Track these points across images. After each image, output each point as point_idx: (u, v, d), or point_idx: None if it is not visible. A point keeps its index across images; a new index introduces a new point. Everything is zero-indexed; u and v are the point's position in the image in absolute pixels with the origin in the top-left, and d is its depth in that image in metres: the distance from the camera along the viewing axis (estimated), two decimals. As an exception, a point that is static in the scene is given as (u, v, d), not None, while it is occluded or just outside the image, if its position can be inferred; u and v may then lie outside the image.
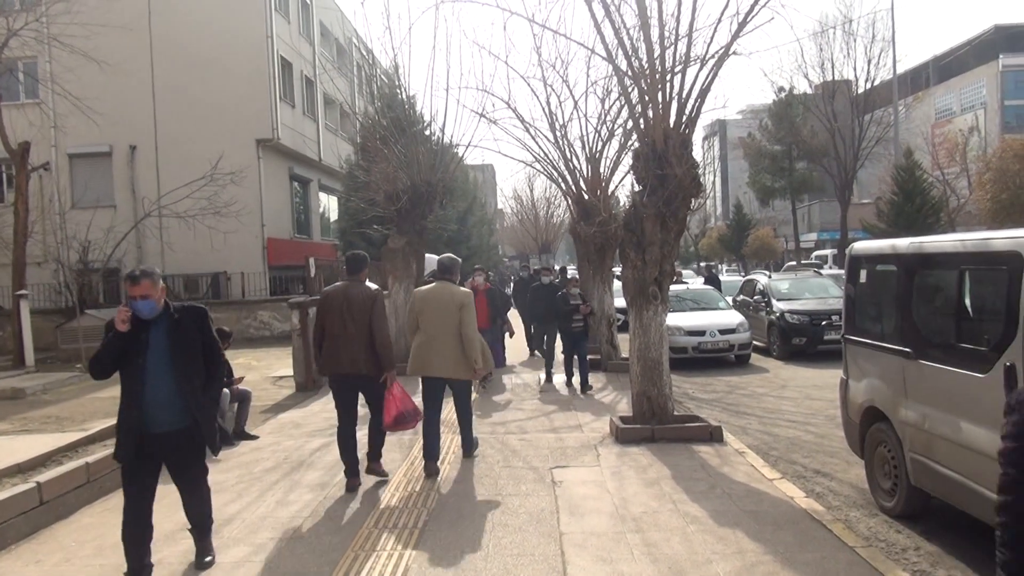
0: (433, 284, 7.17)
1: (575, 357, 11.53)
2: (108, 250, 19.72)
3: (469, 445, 7.66)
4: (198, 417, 4.55)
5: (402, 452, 7.96)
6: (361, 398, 6.76)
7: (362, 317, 6.41)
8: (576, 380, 11.54)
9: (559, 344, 11.97)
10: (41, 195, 19.93)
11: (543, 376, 12.35)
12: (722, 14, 8.00)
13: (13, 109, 20.94)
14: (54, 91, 17.12)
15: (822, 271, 24.60)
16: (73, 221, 20.10)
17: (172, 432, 4.50)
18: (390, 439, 7.42)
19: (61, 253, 18.91)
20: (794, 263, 42.33)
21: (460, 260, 7.55)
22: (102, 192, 23.15)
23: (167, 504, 6.40)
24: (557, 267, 24.42)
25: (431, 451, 6.99)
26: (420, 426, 6.92)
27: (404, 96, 16.38)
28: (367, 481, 6.85)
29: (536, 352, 14.97)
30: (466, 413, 7.47)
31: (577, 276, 14.39)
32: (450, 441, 8.39)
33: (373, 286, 6.69)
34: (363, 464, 6.89)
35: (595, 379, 11.76)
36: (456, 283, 7.19)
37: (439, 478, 6.92)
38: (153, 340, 4.45)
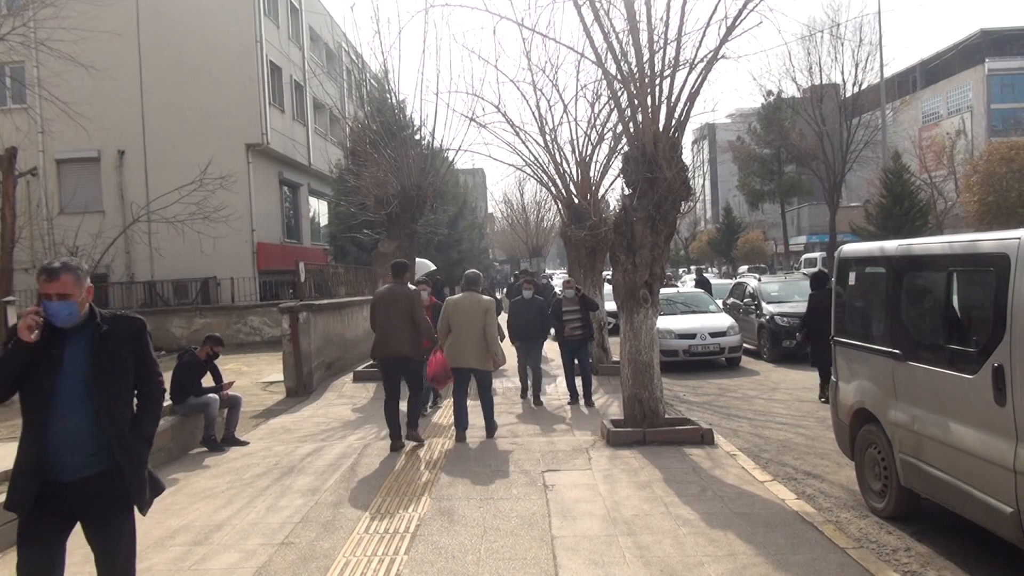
0: (462, 294, 8.87)
1: (576, 365, 10.65)
2: (96, 256, 19.56)
3: (492, 428, 8.74)
4: (123, 461, 3.33)
5: (392, 457, 7.94)
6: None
7: (405, 311, 8.05)
8: (579, 388, 10.65)
9: (550, 357, 11.48)
10: (28, 200, 19.75)
11: (527, 394, 11.06)
12: (710, 18, 8.04)
13: (0, 114, 20.83)
14: (41, 96, 16.98)
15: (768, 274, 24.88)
16: (61, 227, 19.98)
17: (86, 479, 3.30)
18: (381, 451, 8.26)
19: (49, 259, 18.75)
20: (745, 268, 43.45)
21: (481, 274, 9.48)
22: (90, 197, 23.00)
23: (155, 510, 6.35)
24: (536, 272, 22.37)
25: (461, 423, 8.59)
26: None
27: (394, 100, 16.36)
28: (359, 484, 6.86)
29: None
30: (489, 400, 8.75)
31: (570, 279, 14.06)
32: (440, 444, 8.39)
33: (412, 287, 8.52)
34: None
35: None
36: (480, 292, 8.93)
37: (436, 483, 6.92)
38: (69, 358, 3.29)
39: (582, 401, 10.59)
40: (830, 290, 11.60)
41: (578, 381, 10.72)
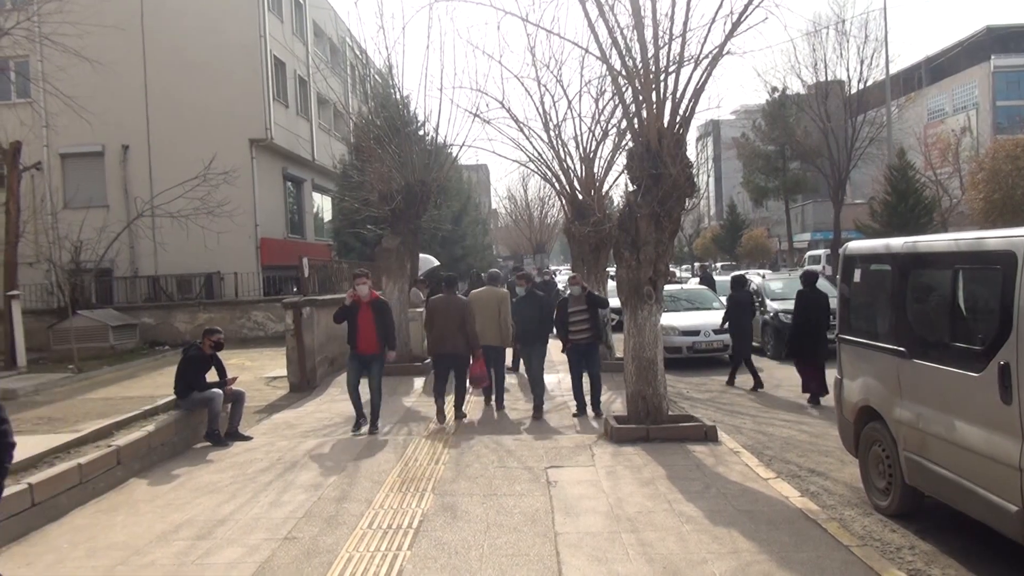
0: (484, 288, 10.51)
1: (584, 374, 9.68)
2: (100, 250, 19.61)
3: (502, 396, 10.28)
4: None
5: (396, 453, 7.95)
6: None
7: (457, 317, 9.49)
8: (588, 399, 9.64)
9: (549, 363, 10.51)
10: (33, 195, 19.81)
11: (533, 410, 9.75)
12: (716, 14, 8.03)
13: (4, 108, 20.86)
14: (46, 90, 17.02)
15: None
16: (65, 221, 19.96)
17: None
18: (384, 447, 8.36)
19: (53, 253, 18.80)
20: (719, 266, 43.95)
21: (500, 272, 11.72)
22: (94, 192, 23.01)
23: (159, 505, 6.39)
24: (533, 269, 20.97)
25: (489, 397, 10.40)
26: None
27: (398, 96, 16.32)
28: (362, 480, 6.88)
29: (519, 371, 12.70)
30: (502, 373, 10.40)
31: (576, 275, 13.33)
32: (443, 443, 8.39)
33: (464, 298, 10.18)
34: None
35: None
36: (500, 287, 10.64)
37: (439, 479, 6.92)
38: None
39: (590, 411, 9.55)
40: (749, 292, 12.86)
41: (585, 384, 9.67)
